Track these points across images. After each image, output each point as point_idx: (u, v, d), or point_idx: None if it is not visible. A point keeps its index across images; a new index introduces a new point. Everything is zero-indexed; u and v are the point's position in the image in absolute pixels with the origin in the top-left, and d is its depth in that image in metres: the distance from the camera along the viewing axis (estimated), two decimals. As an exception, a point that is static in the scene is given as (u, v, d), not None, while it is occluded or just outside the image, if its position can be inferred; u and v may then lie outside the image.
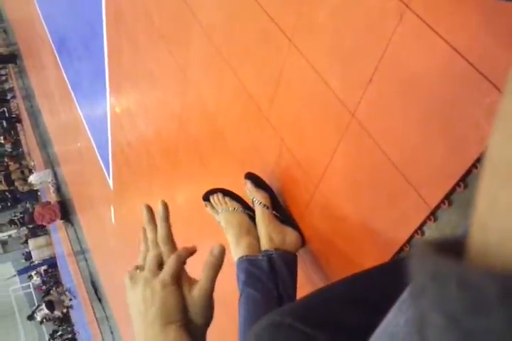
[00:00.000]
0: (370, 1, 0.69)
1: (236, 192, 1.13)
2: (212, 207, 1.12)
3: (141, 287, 0.54)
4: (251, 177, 1.09)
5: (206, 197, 1.14)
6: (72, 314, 11.95)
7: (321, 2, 0.79)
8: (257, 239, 1.03)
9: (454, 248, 0.15)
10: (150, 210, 0.60)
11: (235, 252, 1.01)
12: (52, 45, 4.56)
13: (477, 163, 0.60)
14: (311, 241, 1.04)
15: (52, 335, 12.30)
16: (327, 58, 0.81)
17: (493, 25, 0.53)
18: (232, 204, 1.09)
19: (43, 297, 11.72)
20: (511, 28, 0.51)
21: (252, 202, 1.06)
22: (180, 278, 0.55)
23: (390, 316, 0.18)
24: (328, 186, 0.91)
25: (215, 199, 1.11)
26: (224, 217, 1.08)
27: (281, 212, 1.07)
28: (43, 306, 11.24)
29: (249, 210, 1.10)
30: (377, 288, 0.55)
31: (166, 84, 1.66)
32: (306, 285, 1.10)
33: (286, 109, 0.97)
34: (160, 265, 0.56)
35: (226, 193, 1.12)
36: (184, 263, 0.57)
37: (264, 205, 1.03)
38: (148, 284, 0.53)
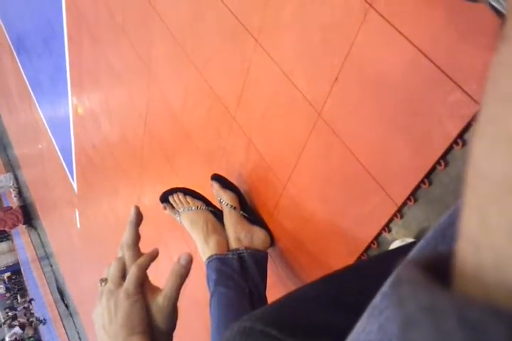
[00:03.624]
0: (334, 0, 0.69)
1: (204, 193, 1.11)
2: (172, 207, 1.08)
3: (105, 299, 0.53)
4: (217, 178, 1.08)
5: (164, 198, 1.10)
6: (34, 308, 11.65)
7: (286, 1, 0.78)
8: (224, 236, 1.02)
9: (441, 266, 0.14)
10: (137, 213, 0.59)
11: (204, 252, 1.00)
12: (10, 44, 4.41)
13: (440, 160, 0.61)
14: (281, 240, 1.04)
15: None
16: (293, 57, 0.81)
17: (458, 25, 0.54)
18: (194, 203, 1.07)
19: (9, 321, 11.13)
20: (475, 28, 0.52)
21: (220, 203, 1.05)
22: (143, 287, 0.54)
23: (362, 323, 0.18)
24: (296, 185, 0.91)
25: (175, 199, 1.08)
26: (188, 216, 1.05)
27: (249, 211, 1.06)
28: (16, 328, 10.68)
29: (212, 207, 1.08)
30: (352, 288, 0.55)
31: (129, 83, 1.63)
32: (275, 283, 1.10)
33: (253, 109, 0.96)
34: (123, 275, 0.55)
35: (186, 192, 1.09)
36: (147, 267, 0.56)
37: (231, 206, 1.03)
38: (112, 295, 0.53)
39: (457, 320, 0.11)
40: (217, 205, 1.09)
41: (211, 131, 1.17)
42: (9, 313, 12.30)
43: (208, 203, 1.09)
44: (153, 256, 0.57)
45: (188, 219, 1.04)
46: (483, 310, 0.11)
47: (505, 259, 0.12)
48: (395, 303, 0.14)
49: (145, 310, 0.52)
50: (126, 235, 0.57)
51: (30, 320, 10.93)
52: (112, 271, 0.55)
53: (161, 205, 1.10)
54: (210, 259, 0.97)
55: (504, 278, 0.12)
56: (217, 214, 1.07)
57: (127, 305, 0.51)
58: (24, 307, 12.43)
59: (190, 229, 1.04)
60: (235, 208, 1.03)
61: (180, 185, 1.12)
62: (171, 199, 1.09)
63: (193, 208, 1.05)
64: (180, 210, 1.06)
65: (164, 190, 1.12)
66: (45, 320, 10.14)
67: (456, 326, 0.11)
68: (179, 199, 1.07)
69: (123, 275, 0.55)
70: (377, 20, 0.63)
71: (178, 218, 1.08)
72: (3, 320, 11.48)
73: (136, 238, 0.58)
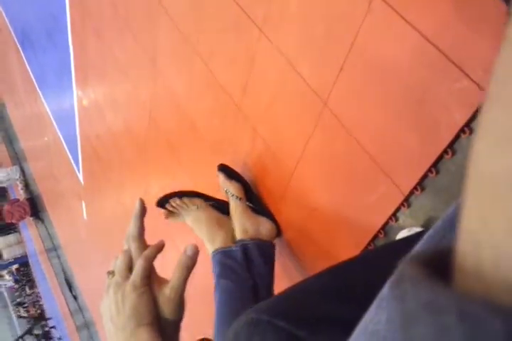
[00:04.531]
0: (339, -11, 0.68)
1: (209, 183, 1.12)
2: (172, 212, 1.07)
3: (113, 292, 0.53)
4: (223, 169, 1.08)
5: (161, 205, 1.07)
6: (47, 310, 11.75)
7: (290, -10, 0.78)
8: (229, 228, 1.03)
9: (442, 262, 0.15)
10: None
11: (210, 247, 1.01)
12: (15, 37, 4.41)
13: (448, 148, 0.61)
14: (287, 231, 1.05)
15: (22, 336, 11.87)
16: (298, 47, 0.80)
17: (464, 12, 0.54)
18: (193, 203, 1.06)
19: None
20: (482, 15, 0.52)
21: (226, 193, 1.06)
22: (150, 278, 0.54)
23: (370, 314, 0.18)
24: (303, 175, 0.91)
25: (172, 205, 1.06)
26: (190, 217, 1.05)
27: (256, 202, 1.06)
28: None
29: (211, 200, 1.08)
30: (358, 279, 0.54)
31: (134, 74, 1.63)
32: (282, 274, 1.10)
33: (259, 99, 0.96)
34: (130, 268, 0.55)
35: (181, 194, 1.07)
36: (154, 259, 0.56)
37: (237, 197, 1.03)
38: (119, 288, 0.53)
39: (456, 315, 0.11)
40: (223, 196, 1.09)
41: (216, 121, 1.17)
42: (20, 310, 12.35)
43: (206, 198, 1.09)
44: (160, 247, 0.57)
45: (192, 220, 1.05)
46: (483, 306, 0.11)
47: (504, 256, 0.12)
48: (397, 299, 0.14)
49: (152, 302, 0.52)
50: (132, 228, 0.58)
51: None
52: (118, 264, 0.56)
53: (163, 212, 1.09)
54: (215, 253, 0.98)
55: (503, 274, 0.12)
56: (219, 205, 1.08)
57: (134, 297, 0.52)
58: (32, 298, 12.54)
59: (195, 228, 1.04)
60: (240, 199, 1.03)
61: (192, 178, 1.13)
62: (168, 206, 1.07)
63: (194, 208, 1.05)
64: (182, 213, 1.06)
65: (170, 181, 1.12)
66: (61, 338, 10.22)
67: (456, 321, 0.11)
68: (177, 204, 1.06)
69: (130, 268, 0.55)
70: (382, 8, 0.62)
71: (180, 220, 1.07)
72: (19, 333, 11.57)
73: (142, 230, 0.58)
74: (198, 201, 1.06)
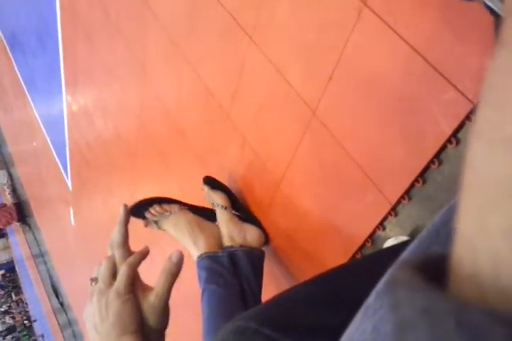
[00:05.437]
0: (328, -2, 0.69)
1: (195, 193, 1.11)
2: (152, 221, 1.03)
3: (96, 299, 0.53)
4: (207, 181, 1.08)
5: (137, 213, 1.02)
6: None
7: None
8: (211, 232, 1.02)
9: (435, 267, 0.14)
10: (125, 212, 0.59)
11: (193, 251, 0.99)
12: (4, 41, 4.38)
13: (434, 158, 0.61)
14: (275, 239, 1.04)
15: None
16: (287, 56, 0.80)
17: (452, 24, 0.54)
18: (170, 208, 1.04)
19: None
20: (469, 26, 0.52)
21: (212, 205, 1.05)
22: (134, 285, 0.54)
23: (356, 323, 0.17)
24: (291, 184, 0.91)
25: (152, 212, 1.03)
26: (168, 222, 1.02)
27: (242, 210, 1.06)
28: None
29: (188, 206, 1.06)
30: (344, 287, 0.54)
31: (124, 81, 1.62)
32: (270, 282, 1.10)
33: (248, 107, 0.96)
34: (114, 274, 0.55)
35: (158, 201, 1.05)
36: (138, 266, 0.56)
37: (222, 206, 1.03)
38: (103, 295, 0.53)
39: (455, 322, 0.11)
40: (205, 204, 1.08)
41: (205, 128, 1.16)
42: (5, 317, 12.18)
43: (182, 203, 1.07)
44: (144, 254, 0.57)
45: (171, 225, 1.02)
46: (482, 313, 0.11)
47: (502, 262, 0.12)
48: (390, 305, 0.14)
49: (136, 309, 0.52)
50: (116, 234, 0.57)
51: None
52: (102, 271, 0.55)
53: (142, 222, 1.04)
54: (200, 258, 0.96)
55: (501, 281, 0.12)
56: (196, 210, 1.06)
57: (118, 305, 0.51)
58: (18, 305, 12.36)
59: (175, 233, 1.02)
60: (225, 208, 1.03)
61: (181, 184, 1.12)
62: (148, 214, 1.03)
63: (170, 213, 1.02)
64: (161, 220, 1.03)
65: (158, 188, 1.11)
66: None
67: (454, 328, 0.11)
68: (156, 211, 1.03)
69: (113, 275, 0.55)
70: (371, 18, 0.63)
71: (158, 227, 1.04)
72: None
73: (126, 236, 0.58)
74: (174, 206, 1.05)
